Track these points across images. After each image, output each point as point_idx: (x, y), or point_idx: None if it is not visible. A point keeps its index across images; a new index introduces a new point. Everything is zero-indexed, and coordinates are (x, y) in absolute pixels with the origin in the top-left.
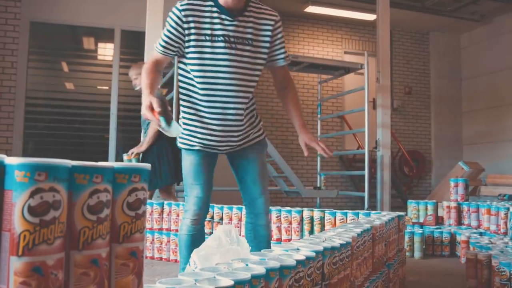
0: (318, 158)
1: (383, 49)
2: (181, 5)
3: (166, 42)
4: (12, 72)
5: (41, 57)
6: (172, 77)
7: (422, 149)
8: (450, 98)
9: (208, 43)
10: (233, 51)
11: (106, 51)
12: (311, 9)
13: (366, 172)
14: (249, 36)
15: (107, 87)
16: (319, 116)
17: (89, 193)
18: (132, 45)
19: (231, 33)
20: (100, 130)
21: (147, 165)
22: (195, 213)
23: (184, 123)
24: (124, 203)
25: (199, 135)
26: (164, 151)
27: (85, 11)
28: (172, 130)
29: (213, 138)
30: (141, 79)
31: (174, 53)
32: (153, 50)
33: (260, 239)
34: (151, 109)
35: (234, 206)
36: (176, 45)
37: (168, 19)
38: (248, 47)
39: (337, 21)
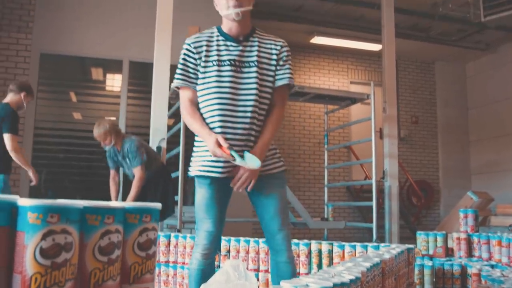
0: (326, 189)
1: (389, 79)
2: (189, 39)
3: (181, 72)
4: None
5: (50, 87)
6: (179, 108)
7: (430, 178)
8: (457, 127)
9: (215, 68)
10: (238, 74)
11: (115, 82)
12: (317, 39)
13: (374, 202)
14: (254, 58)
15: (114, 118)
16: (326, 146)
17: (101, 234)
18: (140, 76)
19: (236, 57)
20: None
21: (158, 205)
22: (205, 247)
23: (196, 150)
24: (135, 243)
25: (210, 161)
26: (159, 190)
27: (94, 43)
28: (248, 162)
29: (226, 163)
30: (189, 124)
31: (194, 82)
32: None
33: (282, 276)
34: (219, 145)
35: (242, 238)
36: (192, 71)
37: (181, 55)
38: (254, 69)
39: (343, 52)
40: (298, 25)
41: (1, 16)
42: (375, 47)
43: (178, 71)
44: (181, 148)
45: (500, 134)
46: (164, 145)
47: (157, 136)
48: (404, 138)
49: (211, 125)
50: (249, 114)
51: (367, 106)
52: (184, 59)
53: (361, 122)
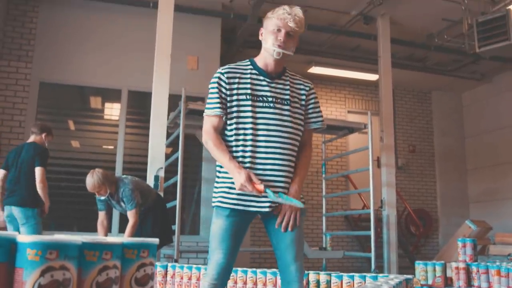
0: (324, 218)
1: (386, 108)
2: (223, 69)
3: (216, 101)
4: (20, 131)
5: (49, 116)
6: (177, 137)
7: (428, 207)
8: (454, 155)
9: (249, 102)
10: (271, 110)
11: (113, 111)
12: (315, 69)
13: (372, 232)
14: (287, 97)
15: (112, 147)
16: (323, 175)
17: (99, 270)
18: (139, 105)
19: (269, 93)
20: None
21: (155, 240)
22: (214, 278)
23: (219, 181)
24: (132, 278)
25: (233, 193)
26: (158, 222)
27: (93, 72)
28: (287, 201)
29: (249, 196)
30: (215, 155)
31: (224, 111)
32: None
33: None
34: (250, 180)
35: (239, 268)
36: (224, 100)
37: (212, 83)
38: (286, 107)
39: (340, 81)
40: (295, 55)
41: (2, 45)
42: (372, 77)
43: (212, 100)
44: (179, 177)
45: (497, 162)
46: (162, 174)
47: (155, 165)
48: (401, 167)
49: (241, 159)
50: (279, 151)
51: (364, 135)
52: (217, 88)
53: (359, 151)
